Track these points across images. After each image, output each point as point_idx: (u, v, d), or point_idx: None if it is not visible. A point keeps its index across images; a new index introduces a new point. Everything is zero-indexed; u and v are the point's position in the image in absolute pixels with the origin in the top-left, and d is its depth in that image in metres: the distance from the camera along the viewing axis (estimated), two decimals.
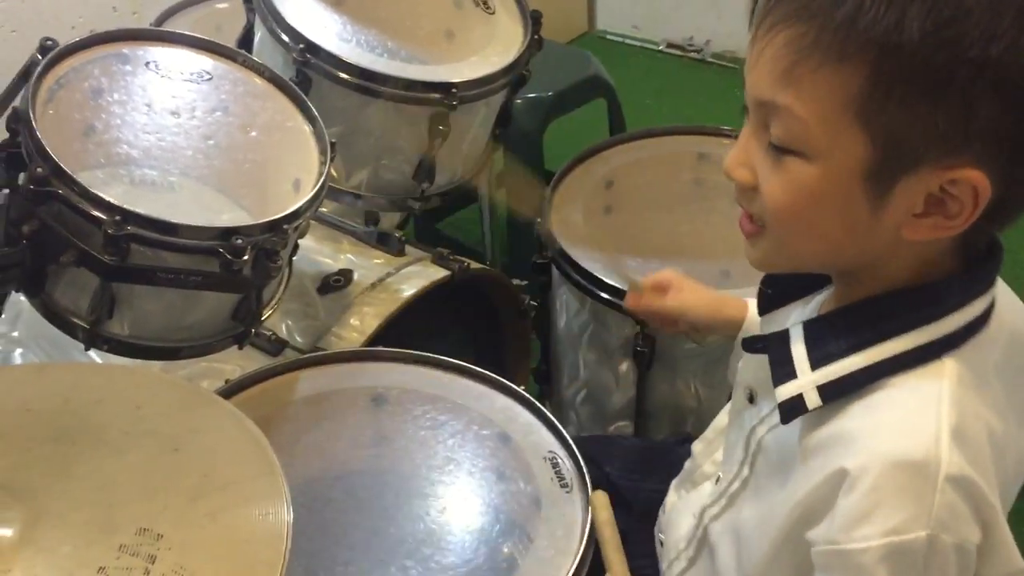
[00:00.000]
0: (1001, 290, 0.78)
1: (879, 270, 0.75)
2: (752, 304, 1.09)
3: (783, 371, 0.77)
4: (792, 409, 0.75)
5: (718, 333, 1.17)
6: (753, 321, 1.06)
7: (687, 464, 1.04)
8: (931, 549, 0.68)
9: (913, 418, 0.70)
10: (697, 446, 1.02)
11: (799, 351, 0.76)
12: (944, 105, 0.65)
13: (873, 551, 0.68)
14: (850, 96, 0.67)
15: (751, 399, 0.87)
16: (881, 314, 0.74)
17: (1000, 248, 0.75)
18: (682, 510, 1.00)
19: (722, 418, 1.00)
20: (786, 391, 0.76)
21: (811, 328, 0.77)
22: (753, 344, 0.85)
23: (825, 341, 0.76)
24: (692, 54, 3.30)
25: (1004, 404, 0.75)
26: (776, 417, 0.79)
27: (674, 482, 1.05)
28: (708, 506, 0.92)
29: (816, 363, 0.75)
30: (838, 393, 0.73)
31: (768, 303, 0.89)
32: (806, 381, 0.75)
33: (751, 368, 0.87)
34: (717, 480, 0.93)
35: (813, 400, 0.74)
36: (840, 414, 0.73)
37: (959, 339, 0.73)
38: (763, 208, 0.74)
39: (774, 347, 0.79)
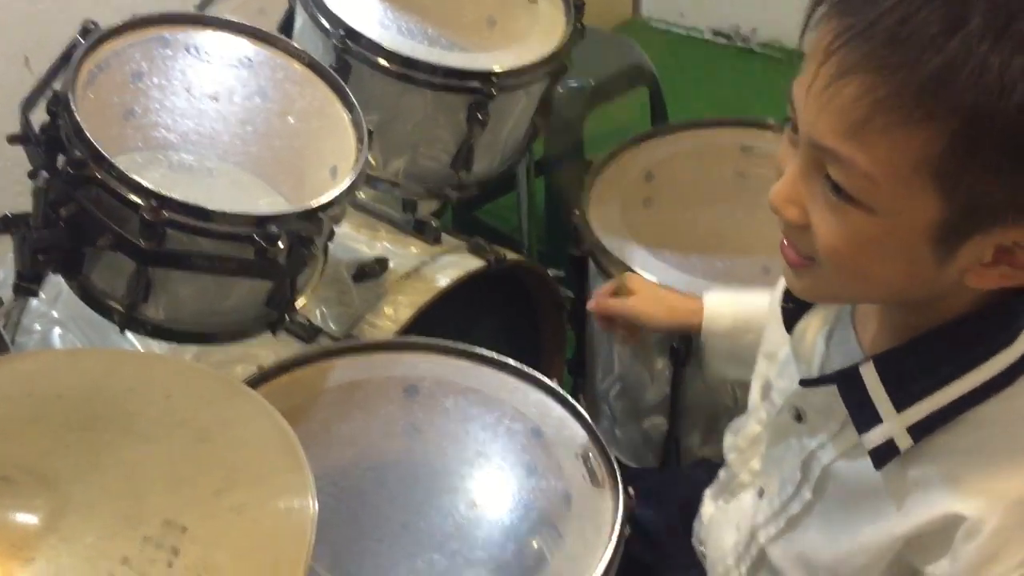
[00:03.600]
0: None
1: (939, 304, 0.72)
2: (708, 301, 1.12)
3: (865, 416, 0.75)
4: (884, 454, 0.74)
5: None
6: (713, 324, 1.11)
7: (721, 473, 1.02)
8: None
9: (1017, 451, 0.70)
10: (731, 455, 1.00)
11: (878, 393, 0.74)
12: None
13: None
14: (928, 157, 0.62)
15: (799, 418, 0.84)
16: (955, 346, 0.72)
17: None
18: (723, 522, 0.98)
19: (752, 426, 0.97)
20: (875, 437, 0.74)
21: (886, 367, 0.74)
22: (816, 384, 0.81)
23: (906, 380, 0.73)
24: (738, 43, 3.25)
25: None
26: (841, 446, 0.79)
27: (708, 492, 1.03)
28: (761, 525, 0.89)
29: (900, 404, 0.73)
30: (928, 430, 0.72)
31: (792, 317, 0.86)
32: (894, 425, 0.73)
33: (800, 391, 0.83)
34: (761, 493, 0.91)
35: (905, 443, 0.73)
36: (934, 449, 0.72)
37: None
38: (815, 248, 0.70)
39: (846, 389, 0.76)
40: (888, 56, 0.61)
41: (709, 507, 1.02)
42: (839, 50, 0.63)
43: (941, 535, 0.70)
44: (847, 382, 0.76)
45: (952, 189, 0.63)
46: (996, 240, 0.65)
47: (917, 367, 0.73)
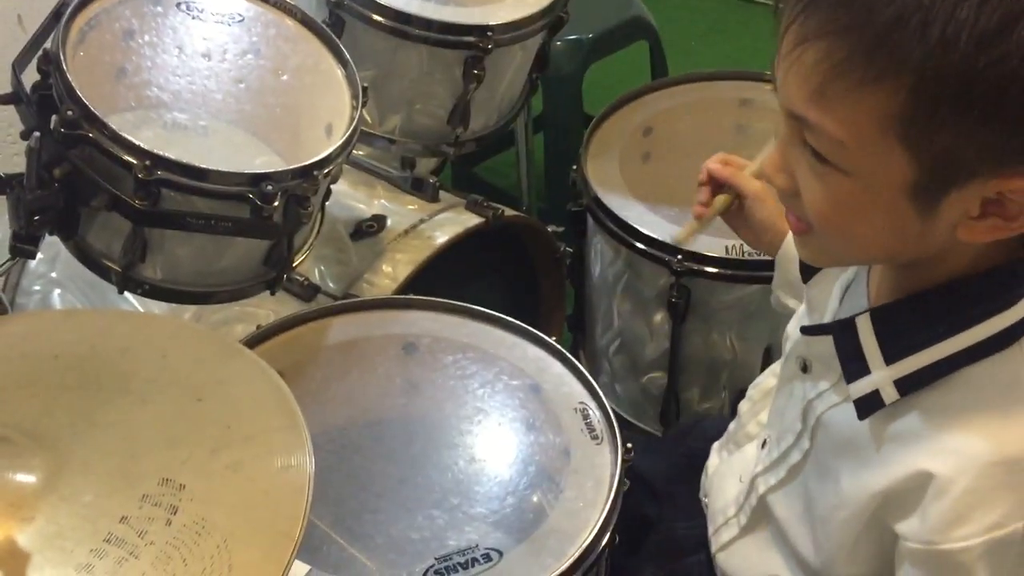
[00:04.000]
0: None
1: (939, 262, 0.72)
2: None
3: (855, 366, 0.75)
4: (869, 405, 0.74)
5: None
6: (791, 251, 1.04)
7: (731, 425, 1.02)
8: None
9: (1000, 413, 0.69)
10: (743, 405, 1.00)
11: (870, 345, 0.74)
12: (996, 121, 0.61)
13: (973, 549, 0.68)
14: (890, 116, 0.62)
15: (805, 368, 0.84)
16: (952, 305, 0.72)
17: None
18: (726, 473, 0.99)
19: (768, 379, 0.98)
20: (861, 387, 0.74)
21: (880, 320, 0.75)
22: (815, 332, 0.82)
23: (898, 334, 0.73)
24: None
25: None
26: (837, 396, 0.79)
27: (716, 444, 1.04)
28: (761, 473, 0.90)
29: (890, 357, 0.73)
30: (916, 386, 0.72)
31: (810, 269, 0.87)
32: (882, 377, 0.73)
33: (804, 340, 0.84)
34: (764, 444, 0.91)
35: (890, 395, 0.73)
36: (918, 404, 0.72)
37: None
38: (807, 213, 0.71)
39: (841, 338, 0.77)
40: (840, 18, 0.61)
41: (714, 459, 1.03)
42: (798, 18, 0.64)
43: (914, 492, 0.70)
44: (843, 332, 0.77)
45: (919, 147, 0.63)
46: (979, 193, 0.65)
47: (911, 322, 0.73)
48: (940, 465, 0.69)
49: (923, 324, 0.72)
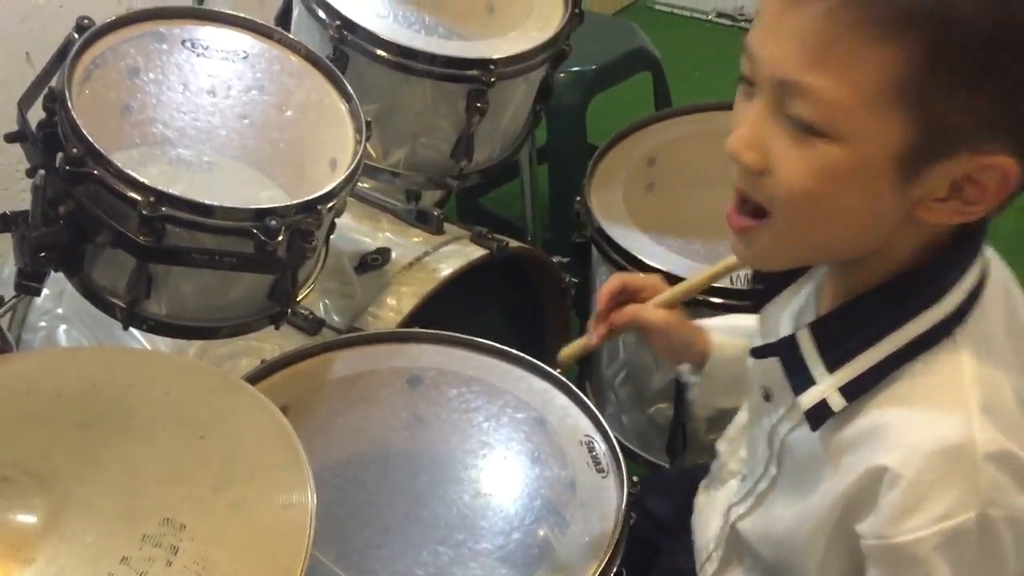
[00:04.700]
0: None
1: (884, 255, 0.72)
2: (717, 336, 1.03)
3: (800, 378, 0.75)
4: (818, 415, 0.74)
5: (679, 362, 1.08)
6: (721, 355, 1.01)
7: (713, 465, 1.02)
8: (982, 527, 0.67)
9: (941, 404, 0.69)
10: (722, 444, 1.00)
11: (812, 356, 0.75)
12: (994, 92, 0.61)
13: (925, 540, 0.68)
14: (894, 79, 0.62)
15: (767, 397, 0.85)
16: (887, 304, 0.72)
17: (985, 219, 0.72)
18: (710, 511, 0.99)
19: (743, 415, 0.98)
20: (809, 399, 0.75)
21: (819, 331, 0.76)
22: (762, 352, 0.83)
23: (836, 342, 0.74)
24: (742, 23, 3.23)
25: (1017, 360, 0.74)
26: (795, 417, 0.79)
27: (702, 483, 1.04)
28: (735, 504, 0.91)
29: (832, 365, 0.74)
30: (860, 390, 0.72)
31: (761, 298, 0.87)
32: (826, 386, 0.74)
33: (761, 367, 0.85)
34: (744, 478, 0.91)
35: (837, 403, 0.73)
36: (865, 408, 0.72)
37: (964, 311, 0.72)
38: (774, 193, 0.69)
39: (785, 354, 0.78)
40: None
41: (701, 497, 1.03)
42: None
43: (870, 489, 0.70)
44: (787, 348, 0.77)
45: (918, 112, 0.63)
46: (954, 172, 0.65)
47: (848, 328, 0.74)
48: (890, 459, 0.69)
49: (859, 328, 0.73)
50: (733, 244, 0.76)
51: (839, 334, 0.74)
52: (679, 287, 1.03)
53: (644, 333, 1.03)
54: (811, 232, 0.71)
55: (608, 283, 1.04)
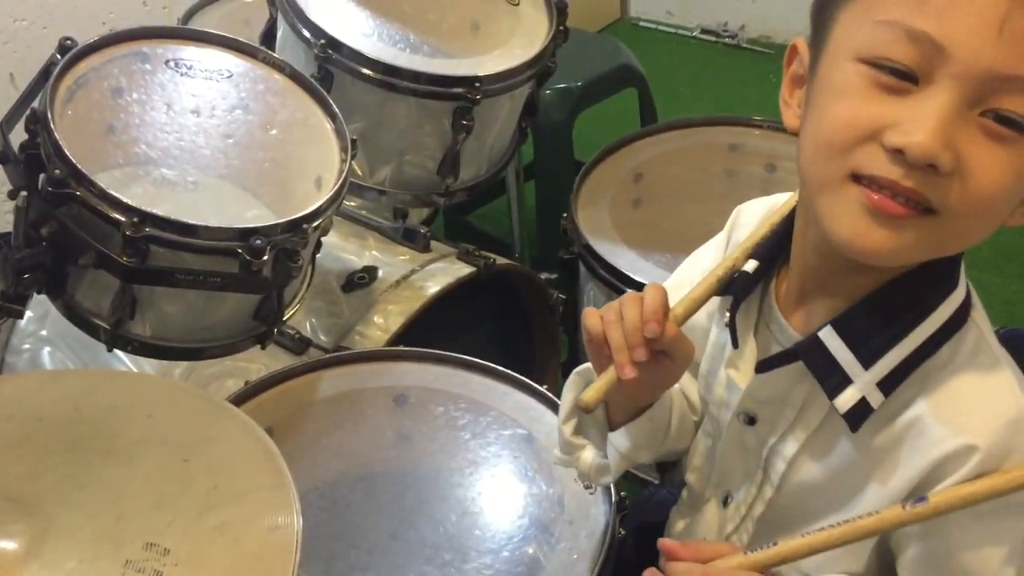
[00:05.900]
0: None
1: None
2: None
3: (834, 380, 0.74)
4: (858, 415, 0.74)
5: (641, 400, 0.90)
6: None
7: (684, 494, 0.99)
8: None
9: (989, 380, 0.72)
10: (691, 476, 0.96)
11: (844, 355, 0.74)
12: None
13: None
14: None
15: (751, 421, 0.83)
16: (912, 296, 0.73)
17: None
18: (696, 537, 0.96)
19: (703, 442, 0.94)
20: (847, 399, 0.74)
21: (844, 328, 0.74)
22: (776, 363, 0.78)
23: (867, 337, 0.73)
24: (726, 39, 3.25)
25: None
26: (805, 430, 0.78)
27: (675, 510, 1.00)
28: (732, 532, 0.89)
29: (867, 361, 0.73)
30: (895, 383, 0.73)
31: (734, 331, 0.81)
32: (864, 383, 0.73)
33: (747, 391, 0.82)
34: (726, 502, 0.90)
35: (877, 399, 0.73)
36: (904, 400, 0.73)
37: (971, 295, 0.75)
38: (962, 193, 0.65)
39: (811, 358, 0.75)
40: None
41: (679, 524, 1.00)
42: None
43: (942, 471, 0.71)
44: (810, 352, 0.75)
45: None
46: None
47: (877, 321, 0.73)
48: (962, 441, 0.70)
49: (888, 320, 0.73)
50: (866, 231, 0.67)
51: (869, 329, 0.73)
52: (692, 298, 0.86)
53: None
54: (978, 230, 0.69)
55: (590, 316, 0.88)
